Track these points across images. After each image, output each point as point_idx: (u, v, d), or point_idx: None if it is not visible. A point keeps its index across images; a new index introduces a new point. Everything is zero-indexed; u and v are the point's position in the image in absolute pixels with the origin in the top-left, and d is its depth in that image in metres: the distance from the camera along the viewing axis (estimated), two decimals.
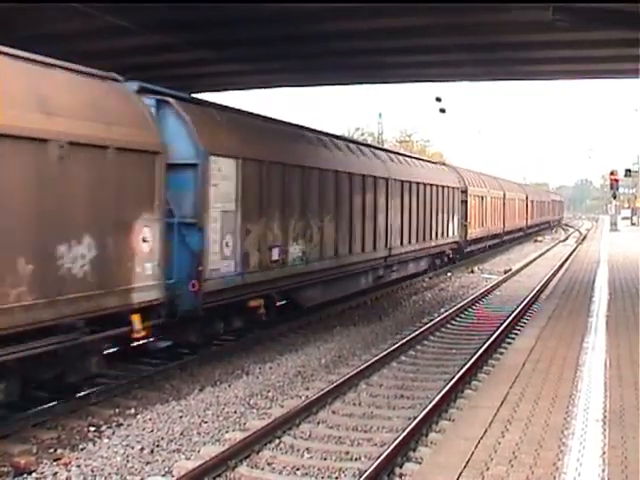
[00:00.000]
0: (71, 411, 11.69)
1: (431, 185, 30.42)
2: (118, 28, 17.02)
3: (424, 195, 29.28)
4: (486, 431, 8.13)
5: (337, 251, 20.62)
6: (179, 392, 13.10)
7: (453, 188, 34.73)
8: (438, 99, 38.15)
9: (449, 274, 33.34)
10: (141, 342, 13.31)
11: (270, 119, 19.08)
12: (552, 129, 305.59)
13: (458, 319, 20.96)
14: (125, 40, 18.48)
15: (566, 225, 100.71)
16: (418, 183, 28.46)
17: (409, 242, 27.27)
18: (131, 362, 14.51)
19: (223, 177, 14.90)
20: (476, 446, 7.63)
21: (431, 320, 20.06)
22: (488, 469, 7.02)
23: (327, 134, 22.71)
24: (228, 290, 15.16)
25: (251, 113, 18.23)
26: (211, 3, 15.20)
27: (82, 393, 12.23)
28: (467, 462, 7.17)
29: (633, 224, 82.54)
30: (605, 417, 8.54)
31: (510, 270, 34.91)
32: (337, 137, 24.26)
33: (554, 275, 30.84)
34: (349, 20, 17.16)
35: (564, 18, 14.98)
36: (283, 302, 18.33)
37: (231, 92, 31.20)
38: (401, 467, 9.33)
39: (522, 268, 36.71)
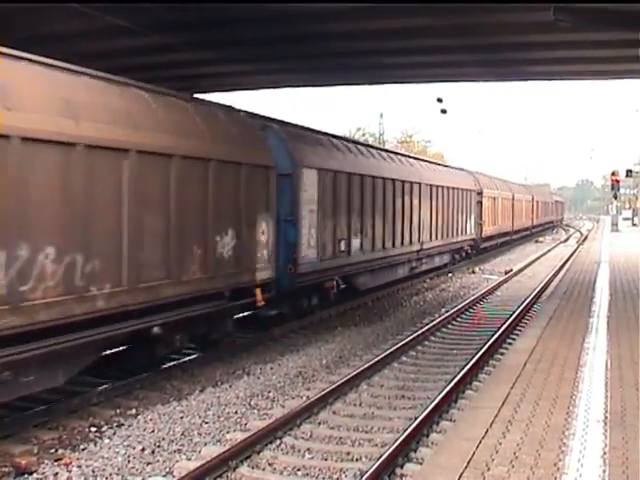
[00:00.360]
0: (72, 411, 11.70)
1: (453, 188, 34.40)
2: (118, 28, 17.01)
3: (448, 197, 33.18)
4: (487, 431, 8.13)
5: (384, 244, 24.52)
6: (180, 392, 13.11)
7: (471, 191, 38.54)
8: (439, 100, 38.20)
9: (450, 274, 33.34)
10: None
11: (337, 137, 24.42)
12: (553, 129, 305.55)
13: (459, 319, 20.95)
14: (125, 40, 18.48)
15: (567, 226, 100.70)
16: (443, 187, 32.40)
17: (436, 238, 31.17)
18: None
19: (309, 184, 18.80)
20: (477, 446, 7.63)
21: (432, 320, 20.06)
22: (489, 469, 7.01)
23: (376, 147, 28.60)
24: (312, 273, 19.03)
25: (326, 133, 23.18)
26: (212, 3, 15.20)
27: (80, 394, 12.24)
28: (468, 462, 7.17)
29: (634, 225, 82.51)
30: (606, 418, 8.54)
31: (511, 270, 34.90)
32: (382, 149, 29.54)
33: (555, 275, 30.83)
34: (350, 21, 17.16)
35: (565, 18, 14.97)
36: (344, 286, 21.42)
37: (231, 92, 31.24)
38: (402, 467, 9.34)
39: (523, 268, 36.71)
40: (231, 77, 24.83)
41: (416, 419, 10.85)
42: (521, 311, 20.84)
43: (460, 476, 6.87)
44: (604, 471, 6.93)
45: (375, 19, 16.83)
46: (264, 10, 15.99)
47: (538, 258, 43.46)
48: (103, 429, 11.12)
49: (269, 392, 13.19)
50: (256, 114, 18.94)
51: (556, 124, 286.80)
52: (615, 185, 68.68)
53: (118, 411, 11.96)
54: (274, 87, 29.05)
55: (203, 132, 14.08)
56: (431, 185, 30.38)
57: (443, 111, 39.04)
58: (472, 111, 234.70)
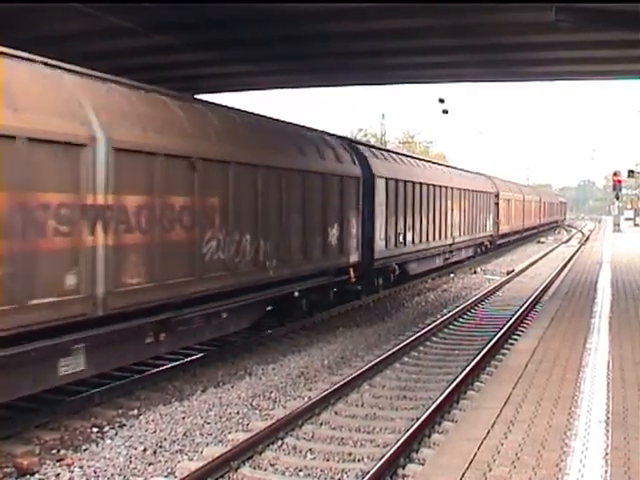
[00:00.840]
0: (74, 412, 11.71)
1: (477, 191, 40.05)
2: (120, 29, 17.02)
3: (472, 199, 38.60)
4: (489, 432, 8.13)
5: (427, 238, 29.78)
6: (182, 393, 13.12)
7: (490, 193, 43.88)
8: (441, 100, 38.19)
9: (452, 275, 33.34)
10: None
11: (394, 151, 31.99)
12: (555, 129, 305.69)
13: (461, 320, 20.95)
14: (127, 41, 18.50)
15: (569, 226, 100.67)
16: (469, 190, 37.95)
17: (463, 234, 36.59)
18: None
19: (380, 190, 23.91)
20: (479, 447, 7.62)
21: (434, 321, 20.05)
22: (491, 470, 7.01)
23: (419, 158, 34.81)
24: (381, 259, 24.20)
25: (388, 150, 30.54)
26: (213, 3, 15.20)
27: (81, 395, 12.25)
28: (470, 463, 7.17)
29: (636, 225, 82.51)
30: (608, 418, 8.53)
31: (513, 271, 34.89)
32: (424, 159, 35.55)
33: (557, 276, 30.81)
34: (351, 21, 17.16)
35: (567, 19, 14.97)
36: (399, 271, 26.40)
37: (233, 93, 31.22)
38: (404, 468, 9.34)
39: (525, 269, 36.69)
40: (232, 78, 24.84)
41: (418, 419, 10.85)
42: (523, 312, 20.82)
43: (462, 476, 6.87)
44: (606, 472, 6.93)
45: (376, 19, 16.83)
46: (265, 10, 15.99)
47: (540, 259, 43.43)
48: (105, 429, 11.12)
49: (271, 392, 13.19)
50: (341, 136, 25.19)
51: (558, 124, 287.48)
52: (617, 185, 68.67)
53: (120, 411, 11.97)
54: (275, 88, 29.07)
55: (324, 154, 19.53)
56: (460, 189, 35.78)
57: (445, 111, 39.04)
58: (474, 111, 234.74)
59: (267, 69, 22.44)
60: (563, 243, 61.10)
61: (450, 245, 33.77)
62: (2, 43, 10.11)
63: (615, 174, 68.08)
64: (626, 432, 8.02)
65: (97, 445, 10.42)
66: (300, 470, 9.53)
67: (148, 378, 13.71)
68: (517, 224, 54.37)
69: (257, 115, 17.61)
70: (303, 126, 20.77)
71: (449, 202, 33.38)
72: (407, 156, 32.01)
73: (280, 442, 10.45)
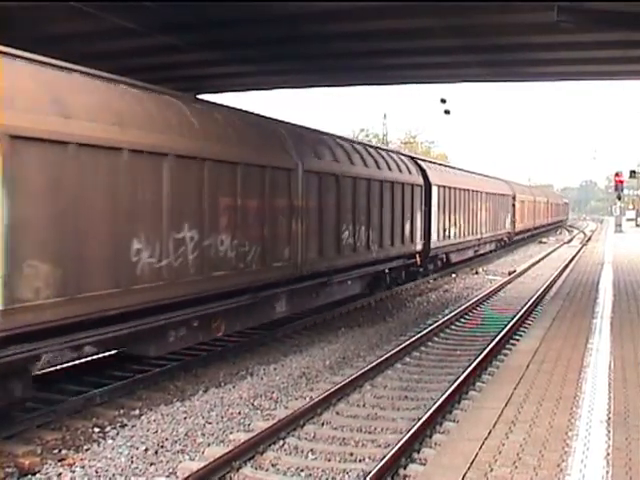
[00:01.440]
0: (75, 412, 11.72)
1: (498, 194, 46.33)
2: (123, 29, 17.03)
3: (495, 201, 44.75)
4: (490, 432, 8.13)
5: (464, 234, 35.94)
6: (183, 393, 13.13)
7: (508, 196, 50.23)
8: (443, 100, 38.11)
9: (453, 275, 33.33)
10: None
11: (443, 164, 40.15)
12: (557, 130, 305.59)
13: (462, 320, 20.95)
14: (129, 41, 18.50)
15: (570, 226, 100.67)
16: (493, 193, 44.13)
17: (488, 231, 42.41)
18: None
19: (434, 195, 30.12)
20: (480, 447, 7.63)
21: (435, 321, 20.05)
22: (492, 470, 7.02)
23: (458, 168, 41.96)
24: (435, 249, 30.36)
25: (439, 162, 39.49)
26: (215, 2, 15.20)
27: (83, 395, 12.26)
28: (471, 463, 7.17)
29: (638, 225, 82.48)
30: (609, 419, 8.54)
31: (514, 271, 34.88)
32: (460, 169, 41.86)
33: (558, 276, 30.81)
34: (354, 21, 17.16)
35: (568, 19, 14.96)
36: (445, 260, 33.41)
37: (235, 93, 31.20)
38: (405, 468, 9.34)
39: (526, 269, 36.68)
40: (234, 78, 24.86)
41: (419, 420, 10.85)
42: (524, 312, 20.81)
43: (463, 477, 6.87)
44: (607, 472, 6.93)
45: (378, 20, 16.84)
46: (267, 11, 16.00)
47: (542, 259, 43.40)
48: (106, 429, 11.13)
49: (272, 393, 13.19)
50: (408, 154, 32.06)
51: (560, 124, 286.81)
52: (619, 186, 68.65)
53: (121, 411, 11.98)
54: (277, 88, 29.06)
55: (401, 169, 25.50)
56: (486, 193, 41.90)
57: (447, 112, 38.97)
58: (475, 112, 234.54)
59: (269, 69, 22.44)
60: (565, 244, 61.06)
61: (479, 240, 40.04)
62: (2, 43, 10.11)
63: (617, 174, 68.06)
64: (627, 432, 8.02)
65: (99, 445, 10.43)
66: (301, 470, 9.54)
67: (149, 378, 13.72)
68: (529, 223, 61.21)
69: (362, 144, 25.89)
70: (389, 150, 30.27)
71: (479, 204, 39.66)
72: (448, 166, 40.51)
73: (282, 442, 10.46)
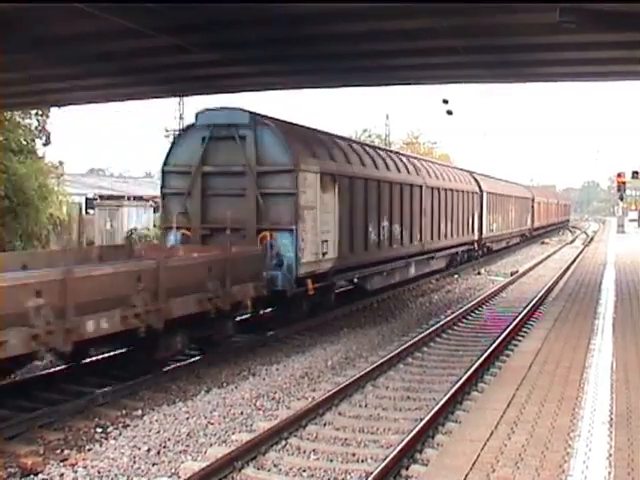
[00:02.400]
0: (78, 412, 11.74)
1: (522, 197, 56.89)
2: (124, 30, 17.01)
3: (521, 203, 55.74)
4: (492, 433, 8.14)
5: (500, 228, 45.71)
6: (185, 393, 13.14)
7: (529, 198, 61.02)
8: (445, 101, 38.09)
9: (456, 276, 33.33)
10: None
11: (489, 175, 48.53)
12: (559, 130, 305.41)
13: (465, 321, 20.95)
14: (130, 42, 18.47)
15: (573, 227, 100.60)
16: (519, 197, 55.17)
17: (515, 227, 52.47)
18: None
19: (484, 199, 40.01)
20: (482, 448, 7.64)
21: (438, 322, 20.05)
22: (494, 471, 7.03)
23: (497, 178, 52.89)
24: (485, 239, 40.41)
25: (487, 175, 47.54)
26: (218, 3, 15.17)
27: (86, 395, 12.27)
28: (473, 464, 7.18)
29: None
30: (611, 419, 8.54)
31: (517, 272, 34.88)
32: (500, 179, 53.80)
33: (561, 277, 30.78)
34: (357, 22, 17.13)
35: (571, 20, 14.94)
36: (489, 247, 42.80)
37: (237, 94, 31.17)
38: (407, 469, 9.35)
39: (529, 270, 36.65)
40: (236, 78, 24.81)
41: (421, 420, 10.85)
42: (526, 313, 20.81)
43: (465, 477, 6.88)
44: (609, 473, 6.94)
45: (382, 20, 16.81)
46: (270, 11, 15.99)
47: (544, 260, 43.41)
48: (109, 430, 11.15)
49: (275, 393, 13.20)
50: (467, 170, 42.40)
51: (562, 125, 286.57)
52: (621, 187, 68.53)
53: (124, 412, 12.00)
54: (280, 89, 29.03)
55: (470, 181, 36.34)
56: (515, 196, 52.76)
57: (449, 112, 38.95)
58: (478, 112, 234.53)
59: (272, 70, 22.40)
60: (567, 244, 61.03)
61: (510, 234, 50.12)
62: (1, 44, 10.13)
63: (619, 175, 67.93)
64: (629, 433, 8.03)
65: (101, 445, 10.44)
66: (304, 471, 9.55)
67: (152, 379, 13.73)
68: (544, 221, 71.89)
69: (447, 165, 40.06)
70: (458, 168, 41.67)
71: (510, 206, 50.01)
72: (491, 177, 49.27)
73: (284, 443, 10.47)
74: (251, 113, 18.52)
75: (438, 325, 19.36)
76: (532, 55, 20.43)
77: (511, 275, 33.73)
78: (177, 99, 51.22)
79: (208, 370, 14.71)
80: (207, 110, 19.08)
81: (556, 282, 28.93)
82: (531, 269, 37.36)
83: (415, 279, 28.49)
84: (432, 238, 29.28)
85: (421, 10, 15.88)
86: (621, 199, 75.39)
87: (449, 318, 20.55)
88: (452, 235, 32.68)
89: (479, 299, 24.71)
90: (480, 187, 39.63)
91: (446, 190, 31.58)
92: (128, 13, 15.88)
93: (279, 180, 17.89)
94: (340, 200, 20.20)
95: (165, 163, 19.17)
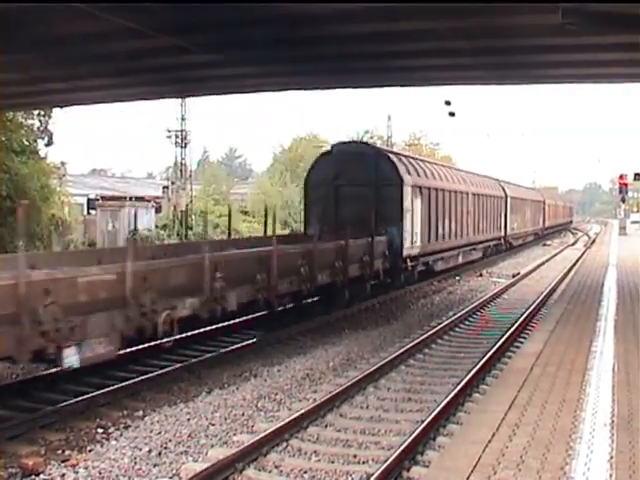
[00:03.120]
0: (79, 412, 11.74)
1: (535, 201, 63.98)
2: (124, 30, 17.01)
3: (535, 206, 63.15)
4: (494, 435, 8.13)
5: (519, 227, 52.58)
6: (187, 394, 13.14)
7: (541, 202, 67.46)
8: (447, 102, 38.07)
9: (457, 277, 33.31)
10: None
11: (512, 183, 57.01)
12: (561, 132, 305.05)
13: (467, 323, 20.94)
14: (130, 43, 18.48)
15: (575, 229, 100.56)
16: (532, 200, 61.90)
17: (530, 226, 59.70)
18: None
19: (509, 203, 47.71)
20: (484, 450, 7.63)
21: (439, 323, 20.03)
22: (496, 473, 7.02)
23: (519, 185, 63.48)
24: (509, 236, 48.09)
25: (510, 182, 55.60)
26: (219, 3, 15.16)
27: (87, 395, 12.30)
28: (475, 466, 7.17)
29: None
30: (613, 422, 8.53)
31: (519, 274, 34.83)
32: (519, 185, 63.39)
33: (563, 279, 30.74)
34: (360, 23, 17.15)
35: (573, 21, 14.94)
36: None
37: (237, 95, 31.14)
38: (409, 471, 9.34)
39: (531, 272, 36.60)
40: (237, 80, 24.81)
41: (423, 422, 10.84)
42: (528, 314, 20.80)
43: (467, 479, 6.87)
44: (611, 475, 6.93)
45: (384, 22, 16.82)
46: (272, 12, 15.99)
47: (546, 261, 43.32)
48: (110, 430, 11.15)
49: (276, 394, 13.19)
50: (495, 177, 51.01)
51: (564, 126, 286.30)
52: (623, 188, 68.56)
53: (125, 412, 12.00)
54: (283, 89, 29.07)
55: (497, 188, 44.71)
56: (530, 200, 60.64)
57: (451, 114, 38.93)
58: (480, 113, 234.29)
59: (274, 71, 22.42)
60: (569, 246, 60.99)
61: (526, 232, 57.50)
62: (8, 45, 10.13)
63: (621, 177, 67.97)
64: (631, 435, 8.02)
65: (102, 446, 10.44)
66: (305, 472, 9.54)
67: (153, 379, 13.74)
68: (553, 221, 78.46)
69: (485, 176, 46.16)
70: (487, 176, 46.84)
71: (526, 208, 57.23)
72: (512, 184, 56.40)
73: (285, 444, 10.46)
74: (374, 147, 31.11)
75: (440, 327, 19.34)
76: (535, 57, 20.44)
77: (513, 277, 33.70)
78: (179, 100, 51.13)
79: (209, 371, 14.71)
80: (341, 143, 29.96)
81: (558, 284, 28.90)
82: (533, 271, 37.32)
83: (462, 265, 35.79)
84: (473, 234, 36.96)
85: (425, 12, 15.89)
86: (623, 201, 75.39)
87: (450, 320, 20.54)
88: (486, 232, 40.56)
89: (480, 301, 24.70)
90: (505, 192, 47.30)
91: (483, 196, 39.64)
92: (130, 13, 15.88)
93: (390, 191, 25.76)
94: (423, 205, 28.12)
95: (307, 177, 27.88)
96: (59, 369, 13.46)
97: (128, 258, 12.10)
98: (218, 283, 14.36)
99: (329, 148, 28.80)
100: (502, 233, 45.56)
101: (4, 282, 10.13)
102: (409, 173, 27.16)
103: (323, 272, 19.26)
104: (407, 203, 26.23)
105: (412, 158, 31.42)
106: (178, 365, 14.79)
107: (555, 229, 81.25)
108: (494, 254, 44.00)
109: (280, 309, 17.94)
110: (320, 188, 26.61)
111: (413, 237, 26.80)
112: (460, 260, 35.17)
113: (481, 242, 39.66)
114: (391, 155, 27.73)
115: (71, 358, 10.86)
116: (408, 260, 26.35)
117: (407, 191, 26.36)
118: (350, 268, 20.80)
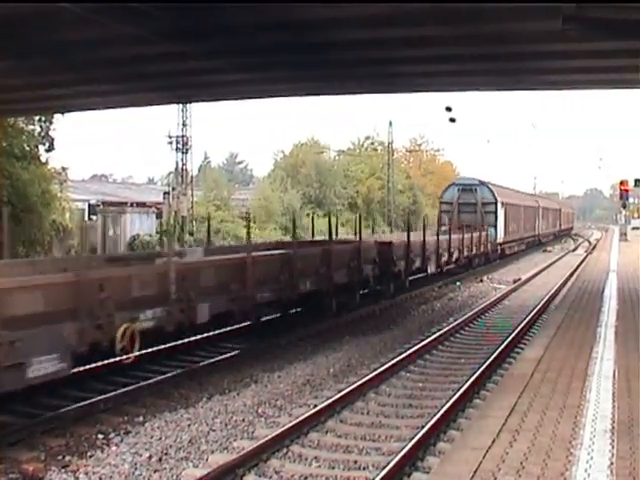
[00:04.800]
0: (79, 418, 11.73)
1: (552, 209, 77.47)
2: (131, 37, 17.04)
3: (554, 213, 77.77)
4: (494, 441, 8.12)
5: (543, 229, 67.56)
6: (187, 400, 13.13)
7: (557, 210, 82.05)
8: (448, 108, 38.11)
9: (458, 283, 33.29)
10: None
11: (540, 196, 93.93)
12: (562, 138, 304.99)
13: (467, 329, 20.93)
14: (137, 48, 18.51)
15: (576, 235, 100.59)
16: (553, 209, 77.68)
17: (551, 228, 74.36)
18: None
19: (540, 211, 67.23)
20: (484, 456, 7.62)
21: (440, 330, 20.03)
22: (496, 479, 7.01)
23: (544, 197, 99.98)
24: (540, 235, 66.66)
25: (538, 194, 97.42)
26: (223, 2, 15.14)
27: (87, 401, 12.29)
28: (475, 472, 7.17)
29: None
30: (613, 428, 8.53)
31: (519, 279, 34.83)
32: (544, 197, 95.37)
33: (563, 285, 30.75)
34: (361, 29, 17.15)
35: (574, 28, 14.95)
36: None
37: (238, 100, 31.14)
38: (409, 476, 9.35)
39: (531, 278, 36.60)
40: (238, 85, 24.83)
41: (423, 428, 10.85)
42: (529, 320, 20.80)
43: None
44: None
45: (385, 28, 16.82)
46: (274, 18, 16.01)
47: (547, 267, 43.33)
48: (110, 436, 11.15)
49: (277, 400, 13.20)
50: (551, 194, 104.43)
51: (565, 132, 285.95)
52: (624, 194, 68.56)
53: (125, 418, 11.99)
54: (284, 95, 29.07)
55: (530, 199, 65.97)
56: (552, 209, 76.68)
57: (452, 120, 38.98)
58: (480, 119, 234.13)
59: (275, 77, 22.40)
60: (570, 252, 61.00)
61: (548, 232, 72.24)
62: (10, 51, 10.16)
63: (622, 183, 67.92)
64: (631, 442, 8.01)
65: (102, 451, 10.44)
66: (305, 478, 9.54)
67: (154, 385, 13.73)
68: (565, 225, 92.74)
69: (525, 193, 75.44)
70: (524, 192, 72.39)
71: (549, 214, 73.18)
72: (541, 196, 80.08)
73: (285, 450, 10.46)
74: (480, 180, 47.62)
75: (440, 333, 19.33)
76: (537, 63, 20.44)
77: (513, 283, 33.69)
78: (180, 105, 51.14)
79: (210, 377, 14.70)
80: (459, 177, 59.34)
81: (558, 290, 28.91)
82: (533, 277, 37.33)
83: (518, 252, 53.83)
84: (524, 232, 56.10)
85: (427, 17, 15.90)
86: (624, 207, 75.40)
87: (451, 326, 20.53)
88: (529, 231, 58.94)
89: (481, 307, 24.70)
90: (538, 203, 66.05)
91: (527, 207, 58.49)
92: (132, 19, 15.89)
93: (489, 207, 45.30)
94: (505, 214, 46.92)
95: (441, 197, 48.67)
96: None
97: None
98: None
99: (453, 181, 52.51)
100: (536, 232, 63.34)
101: None
102: (499, 195, 47.09)
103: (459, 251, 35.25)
104: (498, 213, 45.78)
105: (499, 186, 51.53)
106: (179, 370, 14.79)
107: (564, 231, 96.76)
108: (531, 246, 60.65)
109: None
110: (448, 204, 46.29)
111: (499, 233, 45.90)
112: (516, 249, 53.20)
113: (526, 237, 58.29)
114: (489, 185, 47.71)
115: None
116: (499, 246, 46.20)
117: (499, 207, 45.94)
118: (473, 249, 38.60)
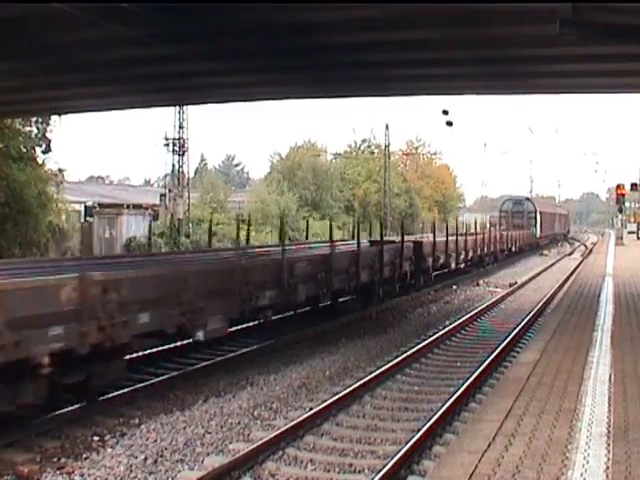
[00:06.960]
0: (75, 420, 11.72)
1: (563, 215, 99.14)
2: (128, 39, 17.02)
3: (561, 217, 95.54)
4: (490, 445, 8.11)
5: (557, 230, 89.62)
6: (183, 402, 13.13)
7: (565, 215, 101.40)
8: (445, 112, 38.14)
9: (454, 287, 33.31)
10: None
11: (556, 204, 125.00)
12: (558, 141, 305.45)
13: (463, 332, 20.94)
14: (134, 50, 18.50)
15: (572, 239, 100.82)
16: (564, 214, 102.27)
17: (560, 230, 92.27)
18: None
19: (562, 216, 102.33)
20: (480, 460, 7.61)
21: (436, 333, 20.04)
22: None
23: (554, 204, 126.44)
24: (556, 233, 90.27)
25: (555, 203, 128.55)
26: (222, 3, 15.13)
27: (83, 403, 12.28)
28: (470, 476, 7.16)
29: (639, 238, 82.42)
30: (609, 432, 8.52)
31: (516, 283, 34.86)
32: (562, 205, 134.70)
33: (559, 289, 30.77)
34: (358, 33, 17.17)
35: (571, 32, 14.96)
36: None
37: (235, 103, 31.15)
38: None
39: (528, 281, 36.66)
40: (236, 88, 24.84)
41: (419, 431, 10.85)
42: (525, 325, 20.81)
43: None
44: None
45: (382, 31, 16.84)
46: (270, 21, 16.02)
47: (543, 271, 43.37)
48: (106, 438, 11.13)
49: (272, 403, 13.19)
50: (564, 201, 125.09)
51: (561, 136, 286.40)
52: (620, 198, 68.67)
53: (121, 420, 11.99)
54: (280, 98, 29.09)
55: (552, 207, 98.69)
56: (556, 214, 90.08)
57: (449, 123, 39.03)
58: (476, 122, 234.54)
59: (273, 80, 22.41)
60: (566, 256, 61.08)
61: (567, 231, 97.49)
62: (6, 52, 10.15)
63: (618, 187, 68.08)
64: (627, 446, 8.01)
65: (98, 454, 10.43)
66: None
67: (149, 387, 13.73)
68: (572, 228, 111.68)
69: (555, 204, 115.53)
70: (546, 202, 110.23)
71: (562, 218, 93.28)
72: (560, 205, 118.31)
73: (281, 452, 10.46)
74: (526, 197, 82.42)
75: (436, 336, 19.34)
76: (534, 67, 20.45)
77: (510, 286, 33.71)
78: (177, 107, 51.16)
79: (206, 379, 14.69)
80: (512, 195, 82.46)
81: (555, 294, 28.93)
82: (530, 280, 37.37)
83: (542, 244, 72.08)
84: (551, 231, 77.17)
85: (423, 20, 15.90)
86: (620, 211, 75.55)
87: (447, 329, 20.54)
88: (552, 230, 79.60)
89: (477, 311, 24.71)
90: (567, 211, 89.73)
91: (558, 215, 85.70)
92: (127, 21, 15.88)
93: (531, 214, 71.92)
94: (541, 219, 72.96)
95: (500, 209, 75.51)
96: None
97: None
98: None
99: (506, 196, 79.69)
100: (564, 231, 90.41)
101: None
102: (538, 206, 72.67)
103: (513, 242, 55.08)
104: (537, 218, 70.15)
105: (538, 200, 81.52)
106: (175, 373, 14.78)
107: (569, 232, 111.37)
108: (561, 240, 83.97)
109: None
110: (505, 212, 72.00)
111: (537, 231, 69.32)
112: (547, 241, 74.58)
113: (552, 234, 79.27)
114: (532, 199, 77.89)
115: None
116: (536, 239, 67.60)
117: (538, 214, 70.89)
118: (517, 242, 55.38)
